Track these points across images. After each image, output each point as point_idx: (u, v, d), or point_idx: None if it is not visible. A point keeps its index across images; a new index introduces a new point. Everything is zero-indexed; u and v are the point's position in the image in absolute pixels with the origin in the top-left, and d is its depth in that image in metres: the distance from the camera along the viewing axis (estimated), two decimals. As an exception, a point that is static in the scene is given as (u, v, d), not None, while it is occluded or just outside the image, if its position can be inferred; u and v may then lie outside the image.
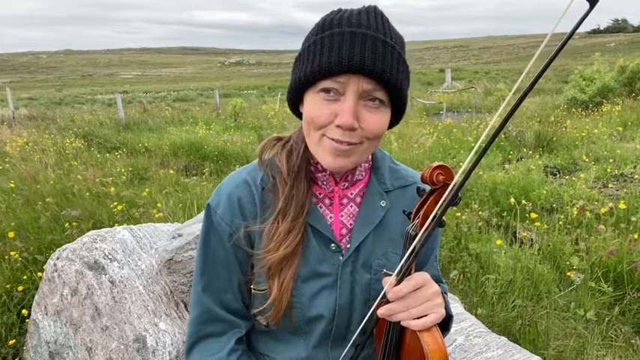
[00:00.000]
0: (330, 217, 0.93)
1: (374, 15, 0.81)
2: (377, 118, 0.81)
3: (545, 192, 4.59)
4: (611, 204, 4.04)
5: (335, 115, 0.79)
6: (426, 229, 0.74)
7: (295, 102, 0.89)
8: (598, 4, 0.54)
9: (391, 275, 0.78)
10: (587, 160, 6.18)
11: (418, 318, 0.77)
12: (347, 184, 0.94)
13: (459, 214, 3.92)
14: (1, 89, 28.03)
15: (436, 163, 0.77)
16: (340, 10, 0.83)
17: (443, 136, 8.39)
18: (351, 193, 0.94)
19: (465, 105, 14.35)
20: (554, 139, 7.54)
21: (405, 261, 0.76)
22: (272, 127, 10.87)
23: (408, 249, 0.77)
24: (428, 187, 0.80)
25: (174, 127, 10.84)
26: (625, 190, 4.78)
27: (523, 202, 4.07)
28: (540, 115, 10.05)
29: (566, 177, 5.64)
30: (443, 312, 0.79)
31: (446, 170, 0.77)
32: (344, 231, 0.93)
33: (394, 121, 0.89)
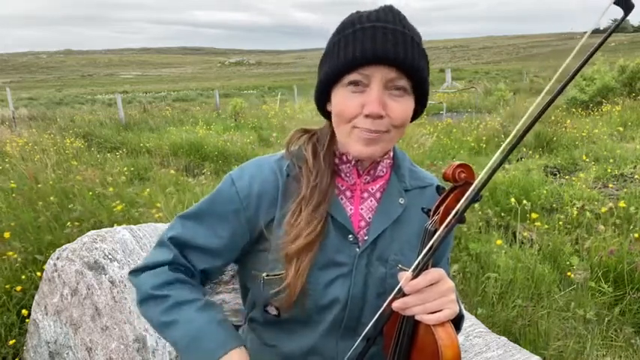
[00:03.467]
0: (350, 209, 0.96)
1: (390, 12, 0.86)
2: (402, 106, 0.86)
3: (545, 192, 4.59)
4: (611, 204, 4.03)
5: (362, 106, 0.84)
6: (447, 224, 0.75)
7: (323, 101, 0.93)
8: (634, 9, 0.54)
9: (407, 271, 0.79)
10: (587, 160, 6.18)
11: (432, 313, 0.78)
12: (369, 178, 0.97)
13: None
14: (1, 89, 28.03)
15: (458, 162, 0.81)
16: (359, 11, 0.89)
17: (443, 136, 8.39)
18: (372, 188, 0.97)
19: (464, 105, 14.36)
20: (554, 139, 7.54)
21: (423, 256, 0.77)
22: (272, 127, 10.87)
23: (426, 244, 0.79)
24: (446, 186, 0.83)
25: (175, 127, 10.84)
26: (625, 190, 4.78)
27: (523, 202, 4.07)
28: (540, 115, 10.03)
29: (566, 177, 5.64)
30: (457, 308, 0.81)
31: (467, 169, 0.80)
32: (362, 223, 0.96)
33: (418, 110, 0.93)
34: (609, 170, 5.57)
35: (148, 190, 4.58)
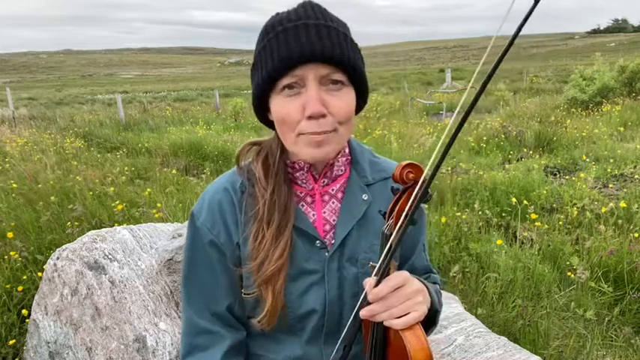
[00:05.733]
0: (313, 215, 0.94)
1: (310, 7, 0.83)
2: (342, 100, 0.83)
3: (545, 192, 4.59)
4: (611, 204, 4.04)
5: (303, 109, 0.81)
6: (399, 228, 0.74)
7: (263, 112, 0.90)
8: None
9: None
10: (587, 160, 6.18)
11: (400, 317, 0.77)
12: (327, 180, 0.94)
13: (459, 213, 3.92)
14: (1, 89, 28.02)
15: (405, 162, 0.78)
16: (277, 13, 0.85)
17: (443, 136, 8.38)
18: (332, 189, 0.95)
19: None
20: (554, 139, 7.54)
21: (382, 261, 0.76)
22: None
23: (384, 249, 0.77)
24: (400, 187, 0.81)
25: (175, 127, 10.84)
26: (625, 190, 4.78)
27: (524, 202, 4.07)
28: (540, 115, 10.05)
29: (566, 177, 5.64)
30: (424, 310, 0.80)
31: (415, 168, 0.78)
32: (327, 227, 0.94)
33: (361, 103, 0.90)
34: (609, 170, 5.57)
35: (148, 190, 4.58)
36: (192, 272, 0.95)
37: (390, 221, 0.79)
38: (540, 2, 0.53)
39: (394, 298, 0.77)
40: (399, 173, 0.77)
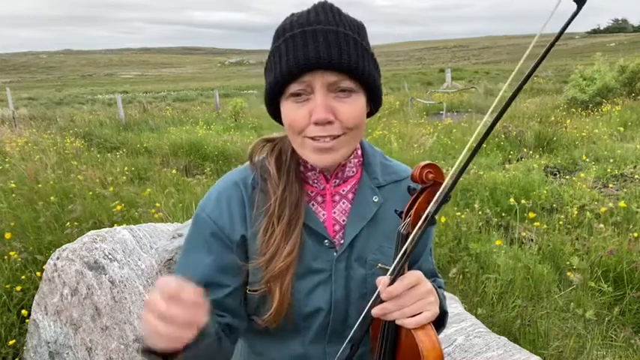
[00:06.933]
0: (323, 215, 0.94)
1: (322, 9, 0.82)
2: (351, 107, 0.82)
3: (545, 192, 4.59)
4: (611, 204, 4.04)
5: (310, 115, 0.81)
6: (419, 228, 0.74)
7: (276, 112, 0.90)
8: (586, 4, 0.54)
9: (387, 269, 0.78)
10: (587, 160, 6.18)
11: (412, 316, 0.78)
12: (338, 180, 0.94)
13: (459, 213, 3.92)
14: (1, 89, 28.02)
15: (425, 162, 0.78)
16: (292, 14, 0.85)
17: (443, 136, 8.39)
18: (343, 190, 0.95)
19: (464, 105, 14.35)
20: (554, 139, 7.54)
21: (399, 261, 0.76)
22: (272, 127, 10.84)
23: (400, 249, 0.77)
24: (418, 187, 0.80)
25: (175, 127, 10.84)
26: (625, 190, 4.78)
27: (523, 202, 4.07)
28: (540, 115, 10.05)
29: (567, 177, 5.64)
30: (436, 310, 0.80)
31: (435, 168, 0.78)
32: (337, 227, 0.94)
33: (373, 107, 0.90)
34: (609, 170, 5.57)
35: (148, 190, 4.58)
36: (186, 259, 0.93)
37: (407, 220, 0.79)
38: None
39: (407, 297, 0.77)
40: (419, 173, 0.77)
